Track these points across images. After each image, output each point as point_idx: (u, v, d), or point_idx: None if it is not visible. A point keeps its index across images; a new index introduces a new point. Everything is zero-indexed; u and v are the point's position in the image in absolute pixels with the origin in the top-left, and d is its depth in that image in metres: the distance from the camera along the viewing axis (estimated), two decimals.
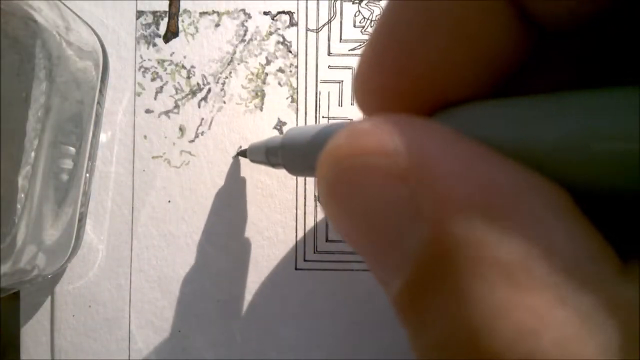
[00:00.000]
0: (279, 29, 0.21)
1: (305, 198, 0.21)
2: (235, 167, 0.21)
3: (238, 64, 0.21)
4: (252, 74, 0.21)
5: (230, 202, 0.21)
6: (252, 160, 0.19)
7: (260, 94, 0.21)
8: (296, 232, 0.21)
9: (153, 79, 0.21)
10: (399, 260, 0.08)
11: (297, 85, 0.21)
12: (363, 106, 0.09)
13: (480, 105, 0.08)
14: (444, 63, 0.08)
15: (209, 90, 0.21)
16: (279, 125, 0.21)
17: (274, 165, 0.17)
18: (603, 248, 0.07)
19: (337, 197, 0.08)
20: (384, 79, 0.09)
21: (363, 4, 0.21)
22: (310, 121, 0.21)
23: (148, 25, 0.21)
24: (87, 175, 0.20)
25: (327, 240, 0.21)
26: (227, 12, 0.21)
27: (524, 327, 0.06)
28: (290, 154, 0.15)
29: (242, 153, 0.20)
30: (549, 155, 0.07)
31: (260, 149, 0.18)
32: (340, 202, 0.08)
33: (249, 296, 0.21)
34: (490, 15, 0.08)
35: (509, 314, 0.06)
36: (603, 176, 0.07)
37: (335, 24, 0.21)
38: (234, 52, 0.21)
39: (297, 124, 0.21)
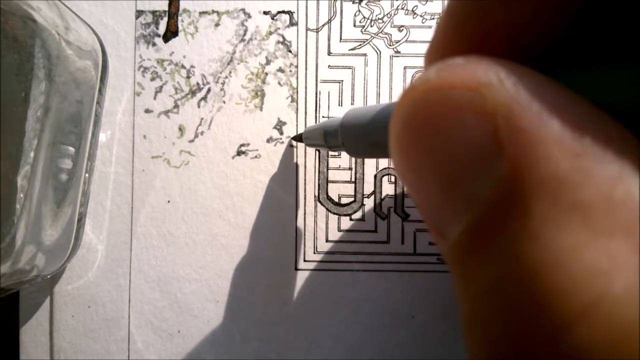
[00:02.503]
0: (278, 28, 0.21)
1: (305, 198, 0.21)
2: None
3: (238, 63, 0.21)
4: (252, 73, 0.21)
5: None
6: (308, 145, 0.19)
7: (260, 94, 0.21)
8: (296, 232, 0.21)
9: (152, 79, 0.21)
10: (466, 201, 0.08)
11: (297, 85, 0.21)
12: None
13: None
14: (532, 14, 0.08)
15: (209, 90, 0.21)
16: (279, 125, 0.21)
17: (331, 147, 0.17)
18: None
19: (414, 131, 0.08)
20: (462, 47, 0.09)
21: (363, 3, 0.21)
22: (310, 121, 0.21)
23: (147, 24, 0.21)
24: (87, 175, 0.20)
25: (327, 240, 0.21)
26: (227, 12, 0.21)
27: (596, 268, 0.06)
28: (350, 133, 0.15)
29: (298, 138, 0.20)
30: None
31: (317, 131, 0.17)
32: (416, 138, 0.08)
33: (249, 296, 0.21)
34: None
35: (582, 253, 0.06)
36: None
37: (335, 23, 0.21)
38: (234, 52, 0.21)
39: (297, 124, 0.21)
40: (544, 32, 0.08)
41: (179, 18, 0.21)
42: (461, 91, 0.08)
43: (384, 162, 0.21)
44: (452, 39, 0.09)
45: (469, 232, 0.08)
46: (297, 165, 0.21)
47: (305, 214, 0.21)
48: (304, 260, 0.21)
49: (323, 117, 0.21)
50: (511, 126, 0.07)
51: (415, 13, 0.21)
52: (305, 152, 0.21)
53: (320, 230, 0.21)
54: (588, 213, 0.06)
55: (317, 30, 0.21)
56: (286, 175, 0.21)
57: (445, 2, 0.21)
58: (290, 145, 0.21)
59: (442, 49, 0.09)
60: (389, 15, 0.21)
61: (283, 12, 0.21)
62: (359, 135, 0.15)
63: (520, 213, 0.07)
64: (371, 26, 0.21)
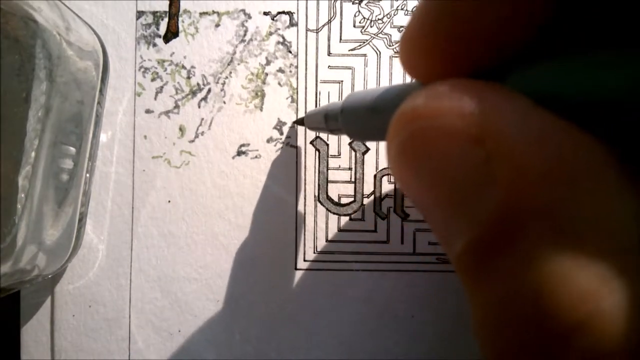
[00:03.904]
0: (278, 29, 0.21)
1: (305, 198, 0.21)
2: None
3: (238, 64, 0.21)
4: (252, 74, 0.21)
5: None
6: (310, 127, 0.19)
7: (260, 94, 0.21)
8: (296, 232, 0.21)
9: (153, 79, 0.21)
10: (467, 221, 0.08)
11: (297, 86, 0.21)
12: (409, 67, 0.10)
13: (545, 66, 0.08)
14: (497, 25, 0.08)
15: (209, 91, 0.21)
16: (279, 125, 0.21)
17: (332, 130, 0.17)
18: None
19: (410, 156, 0.09)
20: (437, 41, 0.09)
21: (363, 4, 0.21)
22: None
23: (148, 25, 0.21)
24: (87, 175, 0.20)
25: (327, 240, 0.21)
26: (227, 12, 0.21)
27: (588, 290, 0.07)
28: (351, 117, 0.15)
29: (300, 121, 0.20)
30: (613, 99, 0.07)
31: (319, 114, 0.18)
32: (413, 162, 0.09)
33: (249, 296, 0.21)
34: None
35: (575, 276, 0.07)
36: None
37: (335, 24, 0.21)
38: (234, 52, 0.21)
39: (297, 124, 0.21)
40: (522, 28, 0.08)
41: (180, 19, 0.21)
42: (450, 118, 0.08)
43: (383, 162, 0.21)
44: (428, 34, 0.09)
45: (472, 251, 0.08)
46: (297, 166, 0.21)
47: (305, 214, 0.21)
48: (304, 260, 0.21)
49: None
50: (502, 154, 0.07)
51: None
52: (305, 153, 0.21)
53: (320, 230, 0.21)
54: (579, 237, 0.07)
55: (317, 31, 0.21)
56: (286, 176, 0.21)
57: None
58: (291, 146, 0.21)
59: (419, 43, 0.09)
60: (388, 16, 0.21)
61: (283, 12, 0.21)
62: (359, 120, 0.15)
63: (516, 237, 0.07)
64: (371, 27, 0.21)
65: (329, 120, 0.17)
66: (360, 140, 0.21)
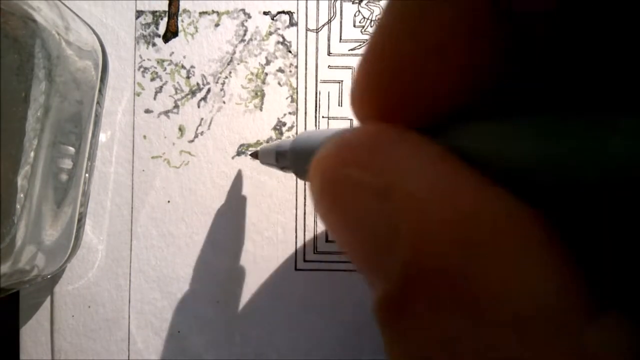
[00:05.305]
0: (278, 28, 0.21)
1: (305, 198, 0.21)
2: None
3: (238, 64, 0.21)
4: (252, 74, 0.21)
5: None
6: (263, 163, 0.19)
7: (260, 94, 0.21)
8: (296, 232, 0.21)
9: (152, 79, 0.21)
10: (379, 276, 0.08)
11: (297, 85, 0.21)
12: (358, 115, 0.09)
13: (472, 124, 0.08)
14: (435, 81, 0.08)
15: (209, 90, 0.21)
16: (279, 125, 0.21)
17: (283, 168, 0.17)
18: (577, 288, 0.06)
19: (325, 206, 0.09)
20: (378, 93, 0.08)
21: (363, 4, 0.21)
22: (310, 121, 0.21)
23: (147, 25, 0.21)
24: (87, 175, 0.20)
25: (327, 241, 0.21)
26: (227, 12, 0.21)
27: (480, 357, 0.06)
28: (298, 158, 0.15)
29: (255, 154, 0.20)
30: (532, 169, 0.07)
31: (270, 151, 0.18)
32: (328, 212, 0.09)
33: (249, 296, 0.21)
34: (476, 33, 0.07)
35: (467, 342, 0.06)
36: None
37: (335, 24, 0.21)
38: (234, 52, 0.21)
39: (297, 124, 0.21)
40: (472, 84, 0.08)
41: (179, 18, 0.21)
42: (355, 170, 0.08)
43: None
44: (371, 87, 0.09)
45: (384, 304, 0.08)
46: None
47: (305, 214, 0.21)
48: (304, 261, 0.21)
49: (323, 117, 0.21)
50: (405, 209, 0.07)
51: None
52: None
53: (320, 231, 0.21)
54: (478, 305, 0.06)
55: (317, 31, 0.21)
56: (286, 176, 0.21)
57: None
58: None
59: (362, 93, 0.09)
60: None
61: (283, 12, 0.21)
62: (307, 162, 0.15)
63: (419, 299, 0.07)
64: (371, 26, 0.21)
65: (279, 158, 0.17)
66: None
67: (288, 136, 0.21)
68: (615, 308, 0.06)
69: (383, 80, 0.08)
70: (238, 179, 0.21)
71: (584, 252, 0.07)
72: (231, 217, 0.21)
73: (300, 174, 0.16)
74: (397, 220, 0.07)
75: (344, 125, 0.21)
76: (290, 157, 0.16)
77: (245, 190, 0.21)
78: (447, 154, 0.07)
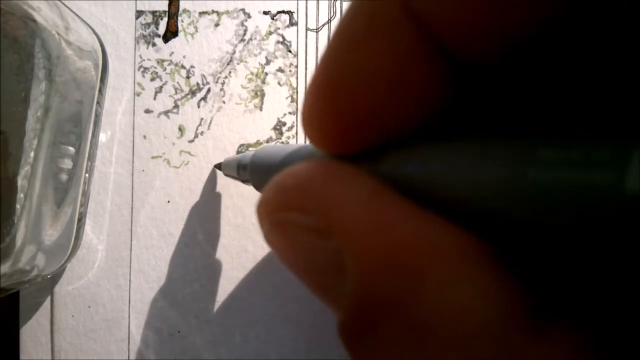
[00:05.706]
0: (278, 28, 0.21)
1: None
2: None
3: (238, 63, 0.21)
4: (252, 73, 0.21)
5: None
6: (226, 175, 0.19)
7: (259, 94, 0.21)
8: None
9: (152, 79, 0.21)
10: (334, 306, 0.08)
11: (297, 85, 0.21)
12: (308, 135, 0.10)
13: (410, 152, 0.08)
14: (378, 109, 0.08)
15: (209, 90, 0.21)
16: (279, 125, 0.21)
17: (244, 181, 0.17)
18: (516, 305, 0.07)
19: (274, 246, 0.09)
20: (323, 115, 0.09)
21: None
22: None
23: (147, 25, 0.21)
24: (87, 175, 0.20)
25: None
26: (227, 12, 0.21)
27: None
28: (257, 173, 0.16)
29: (219, 166, 0.20)
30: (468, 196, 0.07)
31: (232, 164, 0.18)
32: (277, 250, 0.09)
33: (249, 297, 0.21)
34: (417, 65, 0.08)
35: None
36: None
37: (335, 23, 0.21)
38: (234, 52, 0.21)
39: (297, 124, 0.21)
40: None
41: (179, 18, 0.21)
42: (294, 214, 0.08)
43: None
44: (318, 114, 0.09)
45: (344, 330, 0.08)
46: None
47: None
48: None
49: None
50: (348, 245, 0.07)
51: None
52: None
53: None
54: (422, 331, 0.07)
55: (317, 30, 0.21)
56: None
57: None
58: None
59: (310, 119, 0.09)
60: None
61: (283, 12, 0.21)
62: (265, 177, 0.15)
63: (371, 329, 0.07)
64: None
65: (241, 171, 0.17)
66: None
67: (288, 136, 0.21)
68: (565, 318, 0.06)
69: (326, 104, 0.08)
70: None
71: (526, 268, 0.07)
72: (232, 217, 0.21)
73: (259, 189, 0.16)
74: (341, 256, 0.07)
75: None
76: (250, 171, 0.16)
77: (246, 190, 0.21)
78: (381, 187, 0.08)
